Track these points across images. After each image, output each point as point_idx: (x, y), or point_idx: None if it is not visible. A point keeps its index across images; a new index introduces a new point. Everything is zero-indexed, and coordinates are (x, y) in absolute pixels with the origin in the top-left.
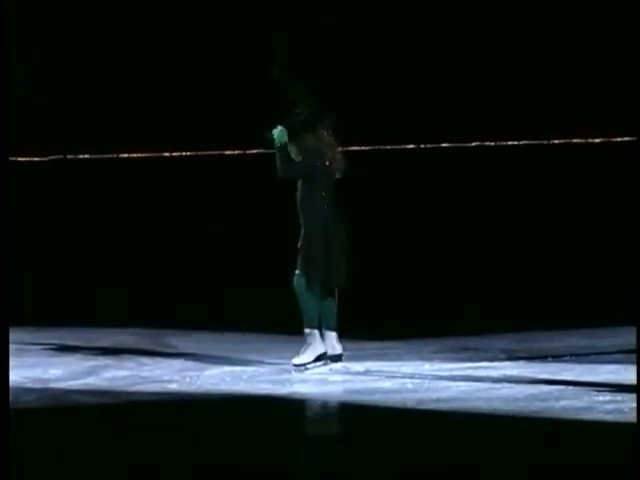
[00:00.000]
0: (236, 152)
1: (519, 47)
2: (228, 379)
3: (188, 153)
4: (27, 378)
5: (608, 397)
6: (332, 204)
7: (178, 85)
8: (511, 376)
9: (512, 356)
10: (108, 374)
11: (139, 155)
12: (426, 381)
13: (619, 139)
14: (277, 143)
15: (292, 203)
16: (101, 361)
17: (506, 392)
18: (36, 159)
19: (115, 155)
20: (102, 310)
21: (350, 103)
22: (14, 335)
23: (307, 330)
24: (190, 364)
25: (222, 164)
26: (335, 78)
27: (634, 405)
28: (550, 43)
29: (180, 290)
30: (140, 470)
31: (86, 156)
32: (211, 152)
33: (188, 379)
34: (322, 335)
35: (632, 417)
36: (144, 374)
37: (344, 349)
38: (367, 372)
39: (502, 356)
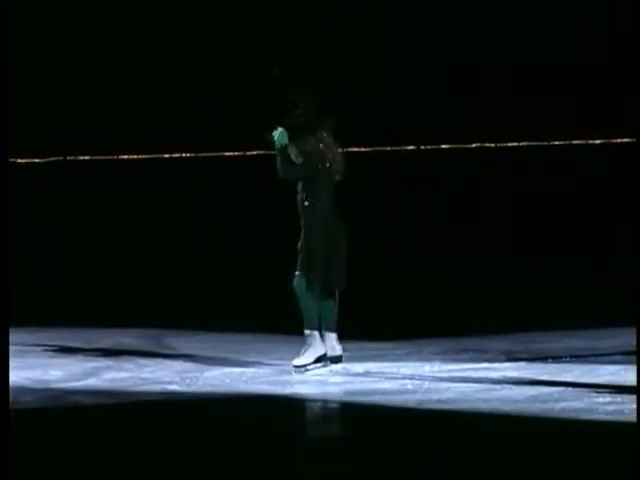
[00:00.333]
0: (236, 153)
1: (519, 47)
2: (228, 380)
3: (188, 154)
4: (27, 379)
5: (608, 398)
6: (332, 205)
7: (178, 86)
8: (511, 377)
9: (512, 357)
10: (108, 375)
11: (139, 156)
12: (426, 382)
13: (619, 140)
14: (277, 145)
15: (292, 204)
16: (101, 362)
17: (506, 393)
18: (36, 160)
19: (115, 156)
20: (102, 311)
21: (350, 104)
22: (15, 336)
23: (307, 331)
24: (190, 365)
25: (222, 165)
26: (335, 78)
27: (634, 406)
28: (550, 43)
29: (180, 291)
30: (140, 471)
31: (86, 157)
32: (211, 153)
33: (188, 380)
34: (322, 336)
35: (632, 418)
36: (144, 375)
37: (344, 350)
38: (367, 373)
39: (502, 357)
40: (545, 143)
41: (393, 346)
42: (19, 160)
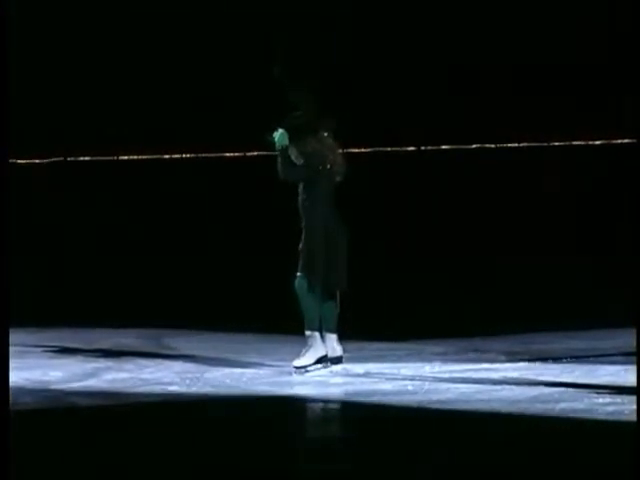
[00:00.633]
0: (236, 154)
1: (519, 47)
2: (228, 381)
3: (188, 155)
4: (27, 380)
5: (608, 399)
6: (333, 206)
7: (178, 87)
8: (511, 378)
9: (512, 358)
10: (108, 376)
11: (139, 157)
12: (426, 383)
13: (619, 141)
14: (278, 146)
15: (293, 205)
16: (101, 363)
17: (506, 394)
18: (36, 161)
19: (115, 157)
20: (102, 312)
21: (350, 104)
22: (15, 336)
23: (308, 332)
24: (190, 366)
25: (222, 166)
26: (335, 79)
27: (634, 407)
28: (550, 43)
29: (181, 292)
30: (140, 471)
31: (86, 158)
32: (211, 154)
33: (188, 381)
34: (322, 337)
35: (632, 419)
36: (144, 376)
37: (344, 351)
38: (367, 374)
39: (502, 358)
40: (545, 144)
41: (393, 347)
42: (19, 161)
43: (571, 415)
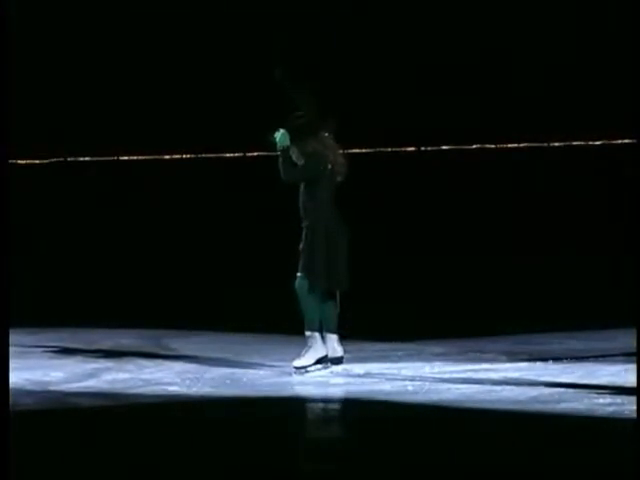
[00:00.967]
0: (236, 154)
1: (519, 47)
2: (228, 381)
3: (188, 155)
4: (28, 380)
5: (608, 399)
6: (333, 207)
7: (178, 87)
8: (512, 378)
9: (513, 358)
10: (109, 377)
11: (139, 157)
12: (426, 383)
13: (619, 141)
14: (279, 146)
15: (293, 205)
16: (102, 364)
17: (507, 394)
18: (37, 161)
19: (115, 157)
20: (103, 312)
21: (351, 105)
22: (15, 337)
23: (308, 332)
24: (191, 367)
25: (222, 166)
26: (336, 80)
27: (634, 407)
28: (551, 44)
29: (181, 292)
30: (140, 472)
31: (86, 158)
32: (211, 155)
33: (188, 382)
34: (323, 337)
35: (632, 419)
36: (144, 377)
37: (345, 351)
38: (368, 374)
39: (503, 358)
40: (545, 144)
41: (394, 347)
42: (19, 161)
43: (571, 415)
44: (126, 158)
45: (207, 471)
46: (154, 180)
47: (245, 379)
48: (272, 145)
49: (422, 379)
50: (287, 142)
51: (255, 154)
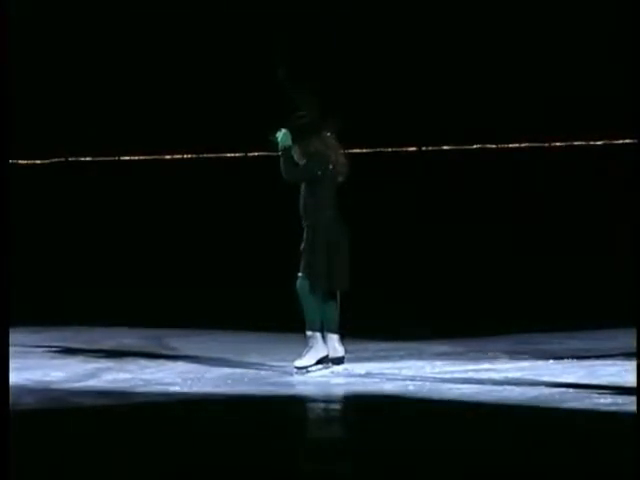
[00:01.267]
0: (237, 155)
1: (519, 47)
2: (229, 381)
3: (189, 155)
4: (29, 380)
5: (609, 399)
6: (335, 207)
7: (179, 87)
8: (512, 378)
9: (514, 358)
10: (109, 376)
11: (140, 157)
12: (427, 383)
13: (620, 141)
14: (281, 146)
15: (294, 205)
16: (103, 363)
17: (507, 394)
18: (38, 161)
19: (116, 157)
20: (104, 312)
21: (351, 105)
22: (16, 337)
23: (309, 332)
24: (191, 366)
25: (223, 167)
26: (337, 80)
27: (634, 407)
28: (551, 45)
29: (182, 292)
30: (140, 472)
31: (87, 159)
32: (212, 155)
33: (189, 381)
34: (324, 337)
35: (633, 419)
36: (145, 376)
37: (345, 351)
38: (368, 374)
39: (504, 358)
40: (546, 144)
41: (394, 347)
42: (20, 161)
43: (572, 415)
44: (127, 158)
45: (207, 471)
46: (155, 180)
47: (246, 379)
48: (274, 145)
49: (423, 379)
50: (289, 142)
51: (256, 154)
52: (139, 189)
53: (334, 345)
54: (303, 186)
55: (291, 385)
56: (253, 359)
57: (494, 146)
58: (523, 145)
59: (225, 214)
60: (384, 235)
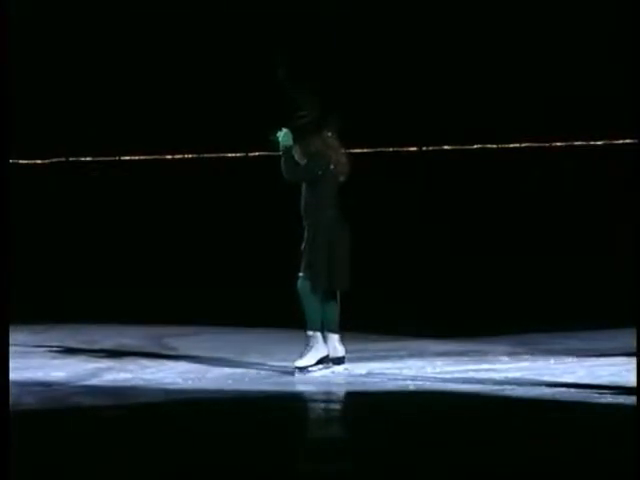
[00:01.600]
0: (238, 154)
1: (519, 47)
2: (230, 381)
3: (190, 155)
4: (30, 380)
5: (609, 399)
6: (336, 206)
7: (180, 88)
8: (513, 378)
9: (514, 358)
10: (110, 376)
11: (141, 157)
12: (427, 383)
13: (621, 141)
14: (282, 146)
15: (295, 205)
16: (103, 363)
17: (508, 394)
18: (38, 161)
19: (117, 157)
20: (105, 312)
21: (352, 105)
22: (17, 337)
23: (310, 332)
24: (192, 366)
25: (224, 166)
26: (337, 79)
27: (635, 407)
28: (551, 45)
29: (183, 292)
30: (141, 472)
31: (88, 158)
32: (213, 154)
33: (190, 381)
34: (324, 337)
35: (633, 419)
36: (146, 376)
37: (346, 351)
38: (369, 374)
39: (504, 358)
40: (547, 144)
41: (395, 347)
42: (21, 161)
43: (572, 415)
44: (128, 158)
45: (207, 471)
46: (155, 180)
47: (247, 379)
48: (274, 145)
49: (423, 379)
50: (290, 142)
51: (257, 154)
52: (140, 189)
53: (334, 345)
54: (304, 186)
55: (292, 385)
56: (254, 359)
57: (494, 146)
58: (523, 145)
59: (226, 214)
60: (385, 235)
